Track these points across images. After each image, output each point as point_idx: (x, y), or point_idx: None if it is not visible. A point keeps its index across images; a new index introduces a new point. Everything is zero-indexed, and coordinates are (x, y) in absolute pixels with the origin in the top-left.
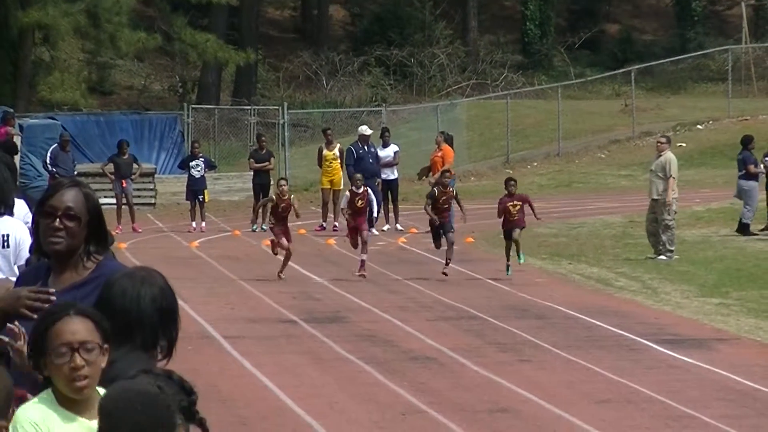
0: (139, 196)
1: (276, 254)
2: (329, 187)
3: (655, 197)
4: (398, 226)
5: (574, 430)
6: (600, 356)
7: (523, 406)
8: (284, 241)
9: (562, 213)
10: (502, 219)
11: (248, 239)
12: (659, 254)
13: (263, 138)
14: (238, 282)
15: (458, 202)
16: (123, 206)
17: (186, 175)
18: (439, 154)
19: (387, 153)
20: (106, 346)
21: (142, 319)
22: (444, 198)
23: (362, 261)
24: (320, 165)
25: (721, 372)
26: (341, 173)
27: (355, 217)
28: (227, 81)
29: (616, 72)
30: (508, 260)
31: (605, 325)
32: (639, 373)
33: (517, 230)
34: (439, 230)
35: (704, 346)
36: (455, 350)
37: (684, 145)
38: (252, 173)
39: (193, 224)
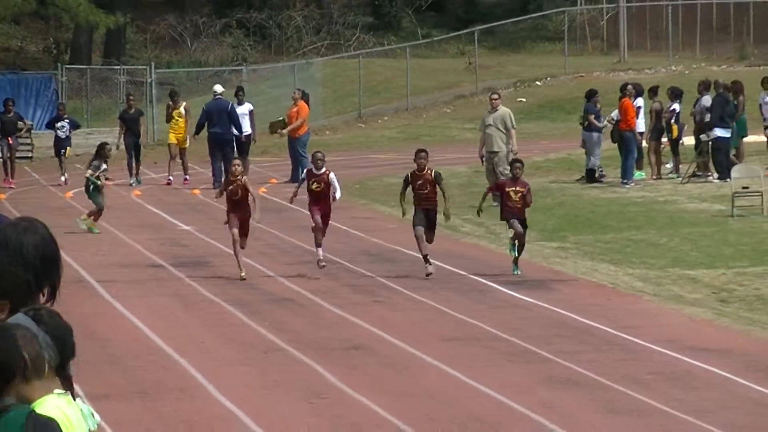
0: (17, 150)
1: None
2: (175, 142)
3: (495, 150)
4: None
5: (425, 366)
6: (448, 297)
7: (376, 344)
8: (235, 230)
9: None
10: (498, 199)
11: (119, 190)
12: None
13: (132, 97)
14: (110, 229)
15: (441, 188)
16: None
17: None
18: (295, 109)
19: (242, 111)
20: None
21: (26, 266)
22: (420, 182)
23: (318, 253)
24: (168, 121)
25: (560, 311)
26: (185, 130)
27: (315, 203)
28: (98, 42)
29: (460, 32)
30: (513, 255)
31: (452, 268)
32: (484, 313)
33: (518, 223)
34: (422, 215)
35: (544, 286)
36: (313, 292)
37: (524, 100)
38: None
39: (62, 178)
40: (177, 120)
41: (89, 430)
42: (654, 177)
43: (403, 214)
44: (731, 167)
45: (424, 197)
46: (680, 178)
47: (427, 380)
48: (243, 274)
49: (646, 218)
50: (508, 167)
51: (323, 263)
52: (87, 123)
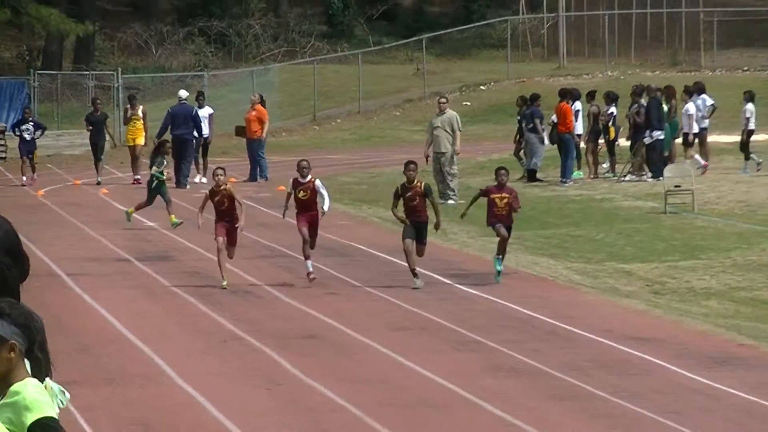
0: None
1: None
2: (133, 144)
3: (443, 150)
4: (203, 180)
5: (375, 353)
6: (397, 289)
7: (329, 333)
8: (221, 239)
9: (362, 164)
10: (486, 206)
11: (88, 188)
12: (447, 199)
13: (98, 102)
14: (79, 225)
15: (432, 203)
16: None
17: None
18: (254, 113)
19: (203, 114)
20: None
21: None
22: (410, 195)
23: (307, 266)
24: (125, 123)
25: (503, 302)
26: (143, 132)
27: (302, 213)
28: (69, 49)
29: (409, 40)
30: (497, 254)
31: (401, 262)
32: (432, 304)
33: (503, 228)
34: (414, 227)
35: (488, 279)
36: (270, 284)
37: (469, 103)
38: (89, 133)
39: (24, 178)
40: (135, 123)
41: (58, 406)
42: (591, 176)
43: (403, 220)
44: (664, 167)
45: (414, 210)
46: (616, 177)
47: (378, 367)
48: (224, 283)
49: (584, 215)
50: (455, 167)
51: (313, 275)
52: (57, 125)
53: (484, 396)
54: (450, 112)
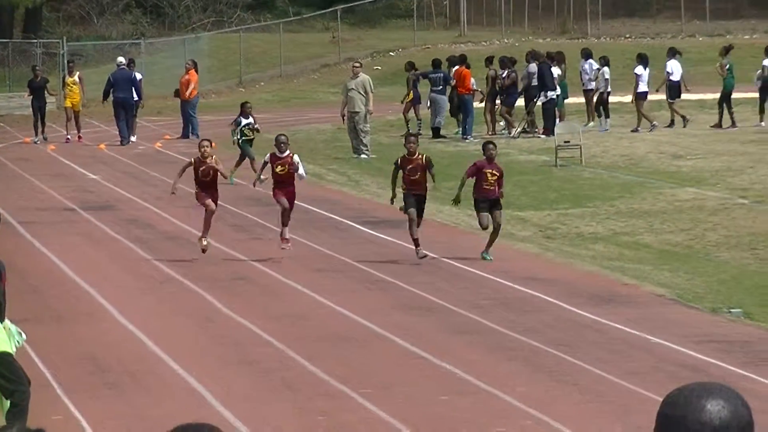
0: None
1: (204, 251)
2: (71, 106)
3: (356, 110)
4: (133, 138)
5: (297, 293)
6: (316, 234)
7: (255, 275)
8: (209, 201)
9: (283, 123)
10: (473, 181)
11: (36, 146)
12: (360, 154)
13: (37, 68)
14: (27, 178)
15: (431, 173)
16: None
17: None
18: (187, 76)
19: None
20: None
21: None
22: (411, 167)
23: (283, 233)
24: (63, 88)
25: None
26: (80, 96)
27: (280, 188)
28: (18, 20)
29: (326, 11)
30: (486, 250)
31: (320, 210)
32: (347, 248)
33: (497, 211)
34: (413, 199)
35: (397, 226)
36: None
37: (380, 68)
38: (31, 97)
39: None
40: (72, 87)
41: (16, 346)
42: (489, 133)
43: (393, 197)
44: (555, 125)
45: (415, 182)
46: (512, 134)
47: (299, 305)
48: (205, 243)
49: None
50: (368, 125)
51: (287, 245)
52: (9, 88)
53: (394, 331)
54: (363, 76)
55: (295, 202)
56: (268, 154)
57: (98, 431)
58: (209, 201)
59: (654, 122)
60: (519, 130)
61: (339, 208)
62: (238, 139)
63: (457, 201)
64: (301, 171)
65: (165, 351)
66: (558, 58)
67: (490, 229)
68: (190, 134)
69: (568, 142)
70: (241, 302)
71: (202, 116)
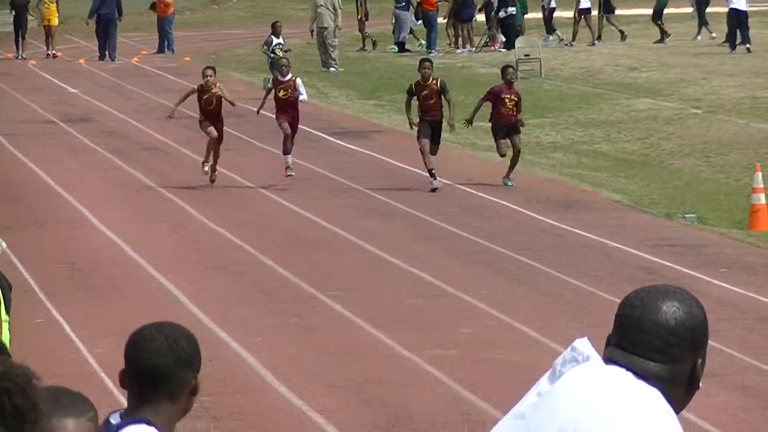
0: None
1: (206, 173)
2: (48, 24)
3: (325, 25)
4: (115, 57)
5: (268, 200)
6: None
7: (228, 183)
8: (212, 128)
9: (255, 38)
10: (490, 108)
11: (18, 62)
12: (329, 67)
13: None
14: (10, 92)
15: (447, 99)
16: None
17: None
18: None
19: None
20: None
21: None
22: (425, 93)
23: (286, 161)
24: (37, 6)
25: (377, 155)
26: (56, 13)
27: (282, 112)
28: None
29: None
30: (507, 175)
31: None
32: (315, 158)
33: (515, 136)
34: (428, 128)
35: (365, 136)
36: (177, 142)
37: None
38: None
39: None
40: (48, 5)
41: None
42: (451, 47)
43: (411, 124)
44: (516, 39)
45: (430, 108)
46: (474, 48)
47: (270, 213)
48: (207, 168)
49: (447, 81)
50: (336, 40)
51: (291, 172)
52: None
53: (363, 237)
54: None
55: (263, 112)
56: (270, 78)
57: (78, 333)
58: (211, 128)
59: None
60: (481, 44)
61: (309, 119)
62: (269, 59)
63: (469, 122)
64: (303, 96)
65: (141, 256)
66: None
67: (510, 154)
68: (166, 49)
69: (528, 55)
70: (215, 210)
71: (177, 32)
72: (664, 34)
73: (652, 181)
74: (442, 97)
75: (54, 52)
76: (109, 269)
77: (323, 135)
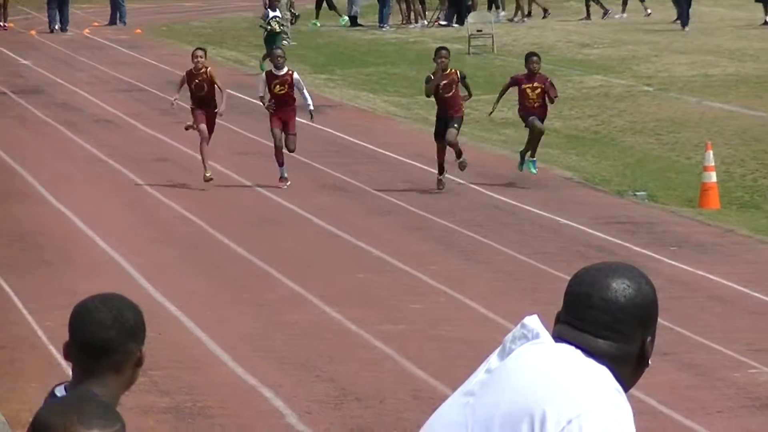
0: None
1: (187, 129)
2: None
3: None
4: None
5: (221, 175)
6: (239, 119)
7: (178, 156)
8: (203, 126)
9: (210, 11)
10: (518, 97)
11: None
12: (281, 41)
13: None
14: None
15: (465, 86)
16: None
17: None
18: None
19: None
20: None
21: None
22: (445, 83)
23: (281, 171)
24: None
25: (329, 130)
26: None
27: (279, 108)
28: None
29: None
30: (531, 155)
31: (242, 96)
32: (267, 132)
33: (538, 120)
34: (443, 124)
35: (316, 110)
36: (128, 115)
37: None
38: None
39: None
40: None
41: None
42: (404, 22)
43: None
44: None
45: (449, 102)
46: (426, 23)
47: (223, 188)
48: (208, 174)
49: (399, 55)
50: (287, 13)
51: (286, 183)
52: None
53: (315, 212)
54: None
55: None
56: (263, 73)
57: (29, 305)
58: (203, 126)
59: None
60: (433, 18)
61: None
62: (265, 32)
63: (491, 112)
64: (308, 101)
65: (93, 229)
66: None
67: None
68: (118, 21)
69: (481, 31)
70: (166, 183)
71: (130, 4)
72: (604, 10)
73: (604, 159)
74: (461, 85)
75: (5, 24)
76: (60, 242)
77: None
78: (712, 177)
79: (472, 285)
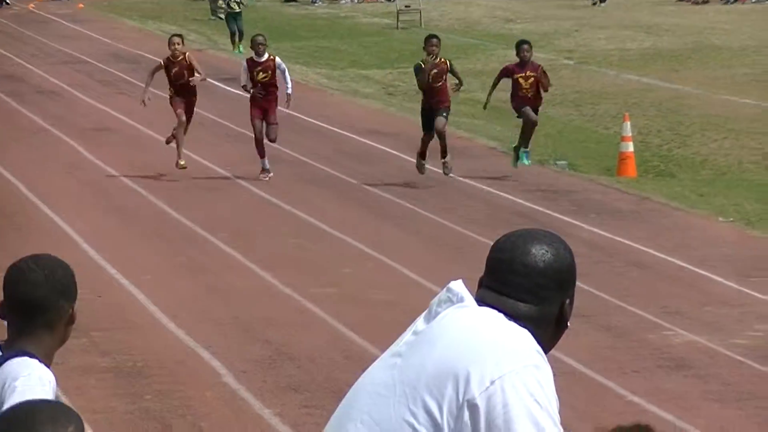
0: None
1: (168, 142)
2: None
3: None
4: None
5: (159, 144)
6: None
7: (120, 126)
8: (181, 111)
9: None
10: (511, 88)
11: None
12: (217, 15)
13: None
14: None
15: (455, 75)
16: None
17: None
18: None
19: None
20: None
21: None
22: (435, 72)
23: (263, 163)
24: None
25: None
26: None
27: (260, 100)
28: None
29: None
30: (525, 147)
31: None
32: (207, 104)
33: (531, 111)
34: (429, 114)
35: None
36: (71, 86)
37: None
38: None
39: None
40: None
41: None
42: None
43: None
44: None
45: (438, 92)
46: None
47: (162, 157)
48: (182, 162)
49: (331, 30)
50: None
51: (268, 175)
52: None
53: (249, 180)
54: None
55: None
56: (245, 60)
57: None
58: (181, 111)
59: None
60: None
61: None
62: (225, 12)
63: (485, 105)
64: (288, 85)
65: (38, 196)
66: None
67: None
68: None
69: (409, 6)
70: (108, 152)
71: None
72: None
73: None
74: (452, 74)
75: None
76: (6, 208)
77: (214, 82)
78: (630, 147)
79: (402, 251)
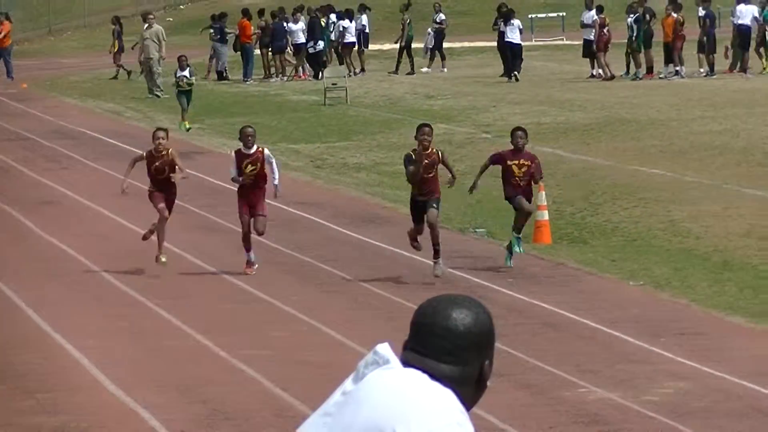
0: None
1: (145, 238)
2: None
3: (151, 56)
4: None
5: (99, 215)
6: (116, 165)
7: (63, 199)
8: (162, 206)
9: (87, 66)
10: (501, 176)
11: None
12: (154, 93)
13: None
14: None
15: (447, 166)
16: None
17: None
18: (2, 26)
19: None
20: None
21: None
22: (426, 163)
23: (248, 257)
24: None
25: (200, 175)
26: None
27: (246, 193)
28: None
29: None
30: (517, 233)
31: (119, 143)
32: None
33: (525, 200)
34: (420, 206)
35: (187, 157)
36: (15, 161)
37: (171, 19)
38: None
39: None
40: None
41: None
42: (265, 77)
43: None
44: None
45: (428, 182)
46: (286, 78)
47: (102, 226)
48: (164, 259)
49: (262, 106)
50: (160, 68)
51: (252, 270)
52: None
53: (186, 249)
54: (156, 26)
55: (96, 134)
56: (233, 151)
57: None
58: (163, 206)
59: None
60: (291, 74)
61: (136, 141)
62: (176, 90)
63: (472, 188)
64: (276, 176)
65: None
66: (325, 11)
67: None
68: (7, 77)
69: (336, 84)
70: (51, 223)
71: (16, 61)
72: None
73: (447, 200)
74: (444, 165)
75: None
76: None
77: None
78: (545, 215)
79: (330, 314)
